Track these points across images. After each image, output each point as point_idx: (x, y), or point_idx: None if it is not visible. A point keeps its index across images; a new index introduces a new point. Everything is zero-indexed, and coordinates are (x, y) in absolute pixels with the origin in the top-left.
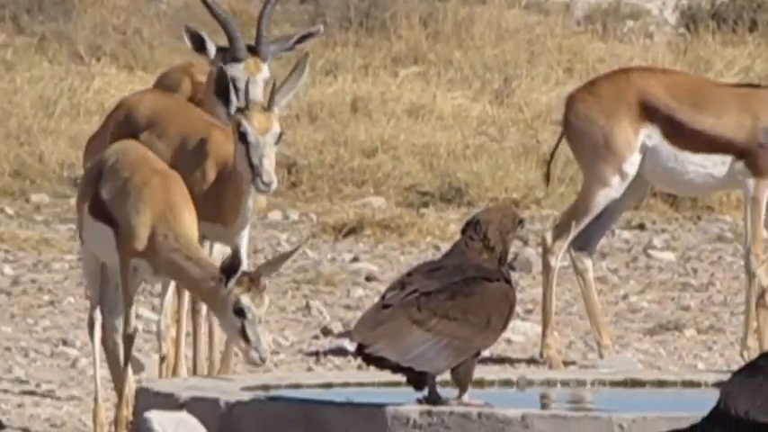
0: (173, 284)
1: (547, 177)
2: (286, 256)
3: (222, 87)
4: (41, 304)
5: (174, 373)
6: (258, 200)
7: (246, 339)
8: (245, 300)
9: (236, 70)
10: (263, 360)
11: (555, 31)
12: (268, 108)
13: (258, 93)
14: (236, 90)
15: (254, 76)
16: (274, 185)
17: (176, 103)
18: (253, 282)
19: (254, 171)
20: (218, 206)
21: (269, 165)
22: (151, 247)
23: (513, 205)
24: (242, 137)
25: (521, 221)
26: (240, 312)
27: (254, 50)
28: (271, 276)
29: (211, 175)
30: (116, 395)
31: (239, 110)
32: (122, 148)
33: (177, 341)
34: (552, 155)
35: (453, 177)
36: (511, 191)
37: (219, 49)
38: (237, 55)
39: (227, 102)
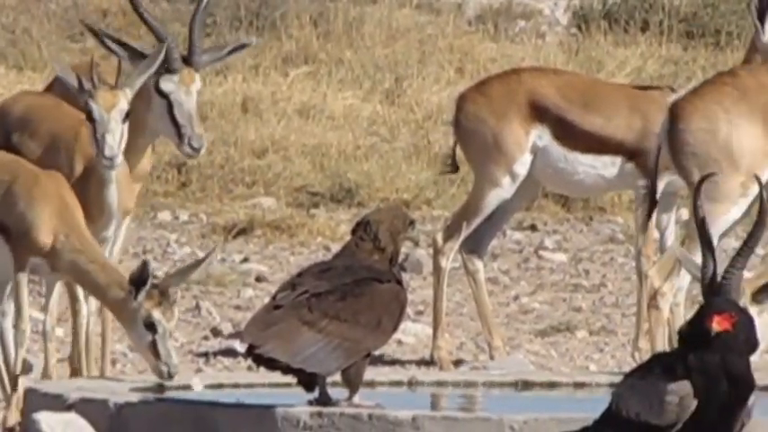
0: (58, 285)
1: (453, 167)
2: (194, 266)
3: None
4: None
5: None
6: (123, 199)
7: (156, 353)
8: (157, 314)
9: (170, 82)
10: (171, 375)
11: (446, 31)
12: (115, 86)
13: (192, 104)
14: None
15: (189, 87)
16: (118, 160)
17: (49, 102)
18: (163, 295)
19: (98, 146)
20: (83, 202)
21: (112, 140)
22: (52, 247)
23: (404, 206)
24: (88, 116)
25: (411, 222)
26: (151, 327)
27: (187, 61)
28: (179, 285)
29: (79, 170)
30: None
31: (86, 91)
32: None
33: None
34: (454, 158)
35: (344, 178)
36: (402, 191)
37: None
38: (172, 66)
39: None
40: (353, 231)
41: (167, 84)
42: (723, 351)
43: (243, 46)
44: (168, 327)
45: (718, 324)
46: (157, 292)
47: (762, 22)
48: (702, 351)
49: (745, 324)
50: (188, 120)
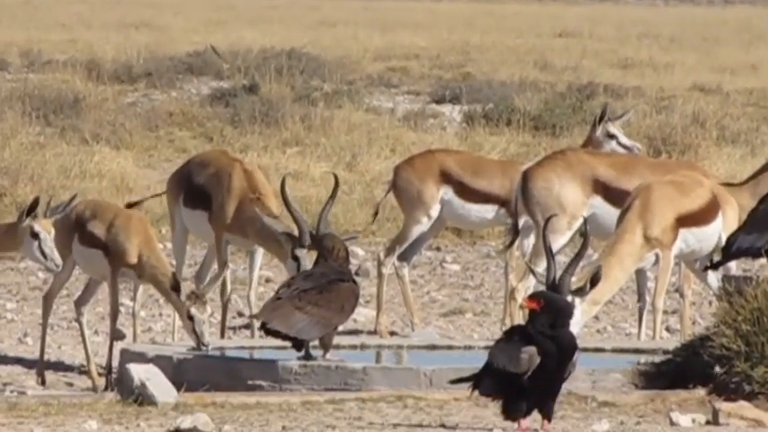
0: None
1: (374, 216)
2: (216, 278)
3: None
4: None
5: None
6: None
7: (196, 334)
8: (193, 310)
9: (300, 252)
10: (206, 346)
11: (384, 125)
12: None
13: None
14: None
15: (308, 258)
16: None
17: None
18: (198, 297)
19: None
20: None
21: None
22: (139, 263)
23: (359, 234)
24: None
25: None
26: (191, 318)
27: (314, 239)
28: (211, 290)
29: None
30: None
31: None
32: (94, 200)
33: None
34: (380, 202)
35: None
36: (356, 226)
37: (290, 236)
38: (303, 242)
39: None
40: (316, 248)
41: (300, 252)
42: (534, 322)
43: (353, 237)
44: (202, 317)
45: (527, 304)
46: (194, 295)
47: (599, 124)
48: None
49: (552, 307)
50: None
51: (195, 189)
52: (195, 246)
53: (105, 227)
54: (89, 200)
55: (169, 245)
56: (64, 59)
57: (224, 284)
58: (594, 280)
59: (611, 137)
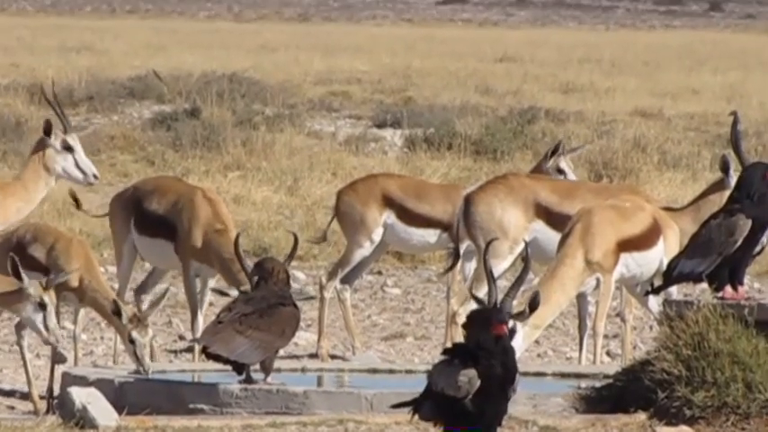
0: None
1: (323, 239)
2: (157, 302)
3: None
4: None
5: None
6: None
7: (137, 358)
8: (134, 333)
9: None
10: (146, 372)
11: (326, 150)
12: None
13: None
14: None
15: None
16: None
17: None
18: (140, 321)
19: None
20: None
21: None
22: (80, 286)
23: (299, 259)
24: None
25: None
26: (132, 341)
27: (255, 264)
28: (153, 313)
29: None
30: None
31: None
32: (35, 224)
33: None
34: (325, 234)
35: (262, 241)
36: (298, 250)
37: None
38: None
39: None
40: (257, 273)
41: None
42: (504, 347)
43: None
44: (144, 341)
45: (499, 330)
46: (136, 318)
47: (550, 157)
48: (489, 348)
49: (509, 331)
50: None
51: (152, 217)
52: (136, 269)
53: (46, 250)
54: (30, 223)
55: (111, 268)
56: (6, 83)
57: (195, 303)
58: (533, 305)
59: (560, 172)
